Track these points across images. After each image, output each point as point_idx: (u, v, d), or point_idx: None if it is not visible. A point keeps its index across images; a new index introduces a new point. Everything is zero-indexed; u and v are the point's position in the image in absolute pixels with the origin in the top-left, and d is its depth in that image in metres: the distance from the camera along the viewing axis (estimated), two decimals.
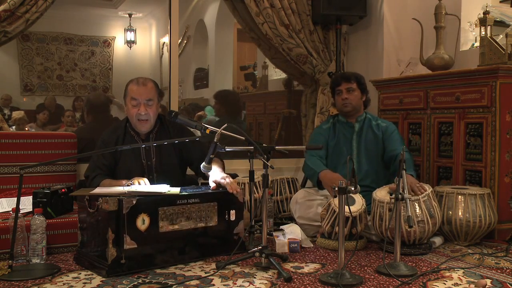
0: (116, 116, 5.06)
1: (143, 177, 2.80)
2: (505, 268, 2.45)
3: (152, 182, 2.83)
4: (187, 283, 2.19)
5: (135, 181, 2.61)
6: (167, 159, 2.91)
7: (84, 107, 4.76)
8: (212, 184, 2.67)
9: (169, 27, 3.95)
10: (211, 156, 2.51)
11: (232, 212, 2.67)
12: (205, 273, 2.34)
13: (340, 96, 3.23)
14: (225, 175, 2.70)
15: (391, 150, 3.12)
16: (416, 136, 3.47)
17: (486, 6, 3.23)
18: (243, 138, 2.52)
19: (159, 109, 2.92)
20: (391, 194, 2.46)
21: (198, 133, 2.77)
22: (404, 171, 2.40)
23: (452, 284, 2.20)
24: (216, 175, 2.72)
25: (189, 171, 3.12)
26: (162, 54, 7.37)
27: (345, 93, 3.21)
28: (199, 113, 5.94)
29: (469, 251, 2.77)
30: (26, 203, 2.79)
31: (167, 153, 2.91)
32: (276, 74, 5.93)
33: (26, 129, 5.22)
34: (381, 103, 3.75)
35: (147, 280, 2.22)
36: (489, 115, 2.97)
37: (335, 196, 2.77)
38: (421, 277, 2.30)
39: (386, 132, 3.21)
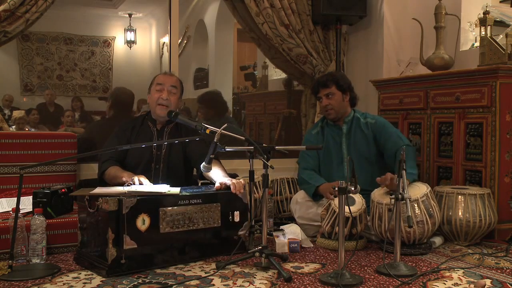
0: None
1: (150, 165, 2.91)
2: (505, 268, 2.45)
3: (157, 171, 2.92)
4: (187, 283, 2.19)
5: (135, 178, 2.62)
6: (175, 154, 2.98)
7: (109, 99, 4.60)
8: (217, 184, 2.68)
9: (169, 27, 3.95)
10: (211, 156, 2.51)
11: (236, 213, 2.66)
12: (205, 273, 2.34)
13: (321, 103, 3.19)
14: (230, 178, 2.72)
15: (391, 148, 3.02)
16: (416, 136, 3.47)
17: (486, 6, 3.23)
18: (243, 138, 2.53)
19: (179, 105, 3.05)
20: (391, 194, 2.46)
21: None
22: (404, 171, 2.40)
23: (452, 284, 2.20)
24: (219, 176, 2.73)
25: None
26: (162, 54, 7.37)
27: (325, 100, 3.15)
28: None
29: (469, 251, 2.77)
30: (26, 203, 2.79)
31: (176, 148, 2.98)
32: (276, 74, 5.93)
33: (26, 129, 5.22)
34: (381, 103, 3.76)
35: (147, 280, 2.22)
36: (489, 115, 2.97)
37: (335, 197, 2.77)
38: (421, 277, 2.30)
39: (377, 129, 3.11)
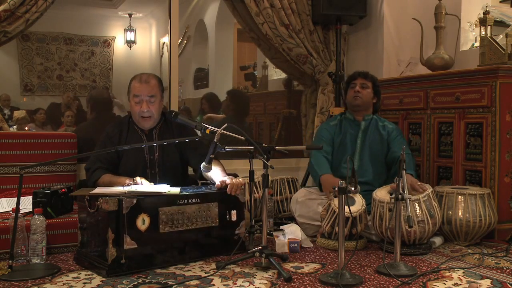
0: (118, 115, 5.07)
1: (146, 171, 2.85)
2: (505, 268, 2.45)
3: (154, 176, 2.87)
4: (187, 283, 2.19)
5: (137, 178, 2.61)
6: (170, 155, 2.93)
7: (87, 104, 4.75)
8: (217, 183, 2.68)
9: (169, 27, 3.95)
10: (211, 156, 2.50)
11: (233, 212, 2.67)
12: (205, 273, 2.34)
13: (353, 89, 3.28)
14: (230, 176, 2.71)
15: (394, 151, 3.15)
16: (416, 136, 3.47)
17: (486, 6, 3.23)
18: (243, 138, 2.53)
19: (162, 105, 2.96)
20: (391, 194, 2.46)
21: (199, 132, 2.78)
22: (404, 171, 2.40)
23: (452, 284, 2.20)
24: (219, 175, 2.73)
25: (190, 171, 3.13)
26: (162, 54, 7.36)
27: (358, 87, 3.26)
28: (210, 115, 5.91)
29: (469, 251, 2.77)
30: (26, 203, 2.79)
31: (169, 149, 2.93)
32: (276, 74, 5.93)
33: (26, 128, 5.22)
34: (381, 103, 3.75)
35: (147, 280, 2.22)
36: (489, 115, 2.97)
37: (335, 196, 2.77)
38: (421, 277, 2.30)
39: (392, 134, 3.24)
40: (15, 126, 5.09)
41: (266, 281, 2.22)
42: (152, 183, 2.70)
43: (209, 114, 5.76)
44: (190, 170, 3.12)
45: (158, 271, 2.36)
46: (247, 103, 5.45)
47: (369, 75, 3.31)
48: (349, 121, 3.34)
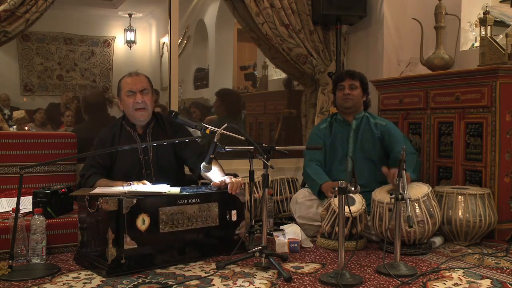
0: (113, 115, 5.07)
1: (141, 172, 2.85)
2: (505, 268, 2.45)
3: (150, 176, 2.86)
4: (187, 283, 2.19)
5: (135, 183, 2.61)
6: (164, 155, 2.92)
7: (81, 105, 4.77)
8: (216, 182, 2.68)
9: (169, 27, 3.95)
10: (211, 156, 2.50)
11: (234, 212, 2.67)
12: (205, 273, 2.34)
13: (342, 91, 3.24)
14: (229, 176, 2.71)
15: (398, 152, 3.05)
16: (416, 136, 3.47)
17: (486, 6, 3.24)
18: (243, 138, 2.53)
19: (154, 101, 2.96)
20: (391, 194, 2.46)
21: (198, 132, 2.78)
22: (404, 171, 2.40)
23: (452, 284, 2.20)
24: (218, 175, 2.73)
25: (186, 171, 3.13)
26: (162, 54, 7.37)
27: (347, 89, 3.22)
28: (210, 117, 5.92)
29: (469, 251, 2.77)
30: (26, 203, 2.79)
31: (163, 149, 2.92)
32: (276, 74, 5.93)
33: (26, 128, 5.22)
34: (381, 103, 3.76)
35: (147, 280, 2.22)
36: (489, 115, 2.97)
37: (335, 196, 2.77)
38: (421, 277, 2.30)
39: (386, 131, 3.17)
40: (15, 126, 5.09)
41: (266, 281, 2.22)
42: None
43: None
44: (187, 170, 3.11)
45: (158, 271, 2.36)
46: (239, 101, 5.43)
47: (356, 74, 3.26)
48: (340, 122, 3.29)
